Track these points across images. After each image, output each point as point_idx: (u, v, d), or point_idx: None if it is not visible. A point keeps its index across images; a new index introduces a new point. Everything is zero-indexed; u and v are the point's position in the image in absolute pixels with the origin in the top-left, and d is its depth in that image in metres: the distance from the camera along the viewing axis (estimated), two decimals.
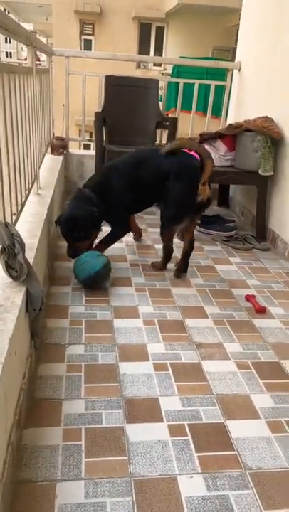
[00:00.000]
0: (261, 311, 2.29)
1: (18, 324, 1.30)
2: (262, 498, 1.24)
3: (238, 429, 1.48)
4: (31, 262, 1.57)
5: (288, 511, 1.21)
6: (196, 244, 3.18)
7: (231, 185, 4.09)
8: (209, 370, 1.78)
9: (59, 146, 3.76)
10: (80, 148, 4.63)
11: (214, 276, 2.69)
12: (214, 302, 2.37)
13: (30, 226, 2.02)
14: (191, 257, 2.70)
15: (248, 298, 2.41)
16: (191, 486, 1.25)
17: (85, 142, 4.42)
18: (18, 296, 1.40)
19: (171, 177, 2.46)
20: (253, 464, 1.35)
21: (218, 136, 3.27)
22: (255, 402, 1.62)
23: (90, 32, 13.64)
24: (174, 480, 1.27)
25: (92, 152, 3.92)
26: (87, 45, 13.50)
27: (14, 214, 1.74)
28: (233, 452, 1.39)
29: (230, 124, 3.23)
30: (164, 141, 3.96)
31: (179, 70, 8.37)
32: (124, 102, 3.73)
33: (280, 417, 1.56)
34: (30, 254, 1.65)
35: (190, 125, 4.24)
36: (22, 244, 1.46)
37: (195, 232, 3.32)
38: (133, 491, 1.22)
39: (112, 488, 1.23)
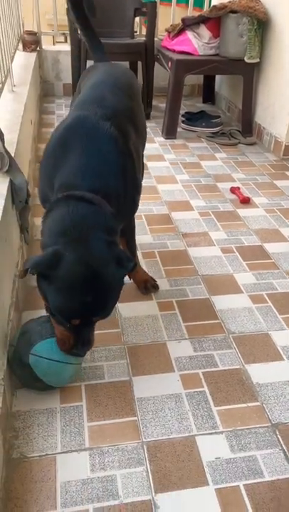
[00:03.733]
0: (245, 202, 2.33)
1: (5, 213, 1.32)
2: (244, 355, 1.38)
3: (222, 302, 1.60)
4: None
5: (267, 364, 1.35)
6: (181, 141, 3.14)
7: (217, 80, 3.89)
8: (195, 256, 1.87)
9: (31, 42, 3.48)
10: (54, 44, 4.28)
11: (200, 171, 2.69)
12: (200, 196, 2.39)
13: (7, 123, 1.95)
14: (174, 156, 2.65)
15: (232, 190, 2.43)
16: (180, 349, 1.38)
17: (60, 40, 4.08)
18: (2, 187, 1.40)
19: None
20: (236, 329, 1.48)
21: (202, 20, 3.03)
22: (238, 279, 1.73)
23: None
24: (164, 345, 1.40)
25: (67, 47, 3.65)
26: None
27: None
28: (217, 321, 1.51)
29: (214, 6, 2.98)
30: (143, 32, 3.68)
31: None
32: None
33: (261, 290, 1.67)
34: (10, 149, 1.61)
35: (171, 19, 3.88)
36: (0, 133, 1.42)
37: (180, 129, 3.25)
38: (127, 355, 1.35)
39: (108, 353, 1.35)
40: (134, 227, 1.58)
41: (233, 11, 2.87)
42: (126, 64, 3.64)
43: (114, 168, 1.14)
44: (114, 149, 1.15)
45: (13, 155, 1.56)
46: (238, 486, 1.02)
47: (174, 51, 3.14)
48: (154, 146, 3.02)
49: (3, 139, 1.45)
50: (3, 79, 2.15)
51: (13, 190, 1.47)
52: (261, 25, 2.89)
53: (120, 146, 1.17)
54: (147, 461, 1.06)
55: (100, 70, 1.61)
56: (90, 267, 0.99)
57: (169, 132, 3.14)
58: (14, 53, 2.82)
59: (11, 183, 1.46)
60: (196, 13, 3.89)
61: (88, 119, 1.18)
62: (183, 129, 3.33)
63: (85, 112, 1.21)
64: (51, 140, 1.24)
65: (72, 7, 1.70)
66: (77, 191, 1.06)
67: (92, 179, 1.10)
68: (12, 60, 2.56)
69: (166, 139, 3.14)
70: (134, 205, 1.29)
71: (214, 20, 3.03)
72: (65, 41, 4.89)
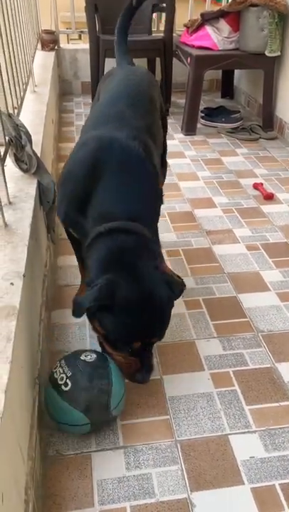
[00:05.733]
0: (269, 198, 2.30)
1: (35, 213, 1.33)
2: (274, 354, 1.37)
3: (249, 300, 1.59)
4: None
5: None
6: (201, 137, 3.12)
7: (236, 74, 3.85)
8: (220, 253, 1.86)
9: (49, 41, 3.50)
10: (68, 42, 4.28)
11: (221, 168, 2.67)
12: (222, 192, 2.38)
13: (31, 123, 1.96)
14: (195, 153, 2.64)
15: (255, 186, 2.41)
16: (209, 348, 1.39)
17: (74, 37, 4.07)
18: (31, 188, 1.42)
19: None
20: (265, 327, 1.47)
21: (221, 14, 3.00)
22: (265, 277, 1.71)
23: None
24: (193, 343, 1.40)
25: (85, 46, 3.65)
26: None
27: (15, 107, 1.69)
28: (245, 319, 1.51)
29: None
30: (161, 28, 3.65)
31: None
32: None
33: (288, 288, 1.65)
34: (36, 150, 1.63)
35: (188, 12, 3.83)
36: (28, 135, 1.44)
37: (199, 125, 3.23)
38: (156, 353, 1.36)
39: None
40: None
41: (254, 5, 2.83)
42: (144, 61, 3.63)
43: (148, 191, 1.18)
44: (145, 171, 1.17)
45: (39, 156, 1.58)
46: (274, 485, 1.02)
47: (192, 46, 3.12)
48: (174, 142, 3.01)
49: (31, 140, 1.46)
50: (26, 79, 2.17)
51: (41, 190, 1.49)
52: (282, 18, 2.85)
53: (149, 166, 1.18)
54: (182, 460, 1.07)
55: (117, 78, 1.57)
56: (146, 290, 1.03)
57: (189, 128, 3.13)
58: (34, 53, 2.84)
59: (39, 184, 1.48)
60: (214, 8, 3.85)
61: (116, 141, 1.16)
62: (202, 124, 3.30)
63: (110, 132, 1.19)
64: (73, 162, 1.22)
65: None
66: (119, 223, 1.08)
67: (131, 206, 1.13)
68: (33, 60, 2.57)
69: (185, 135, 3.13)
70: (157, 216, 1.28)
71: (234, 14, 3.00)
72: (79, 38, 4.90)
